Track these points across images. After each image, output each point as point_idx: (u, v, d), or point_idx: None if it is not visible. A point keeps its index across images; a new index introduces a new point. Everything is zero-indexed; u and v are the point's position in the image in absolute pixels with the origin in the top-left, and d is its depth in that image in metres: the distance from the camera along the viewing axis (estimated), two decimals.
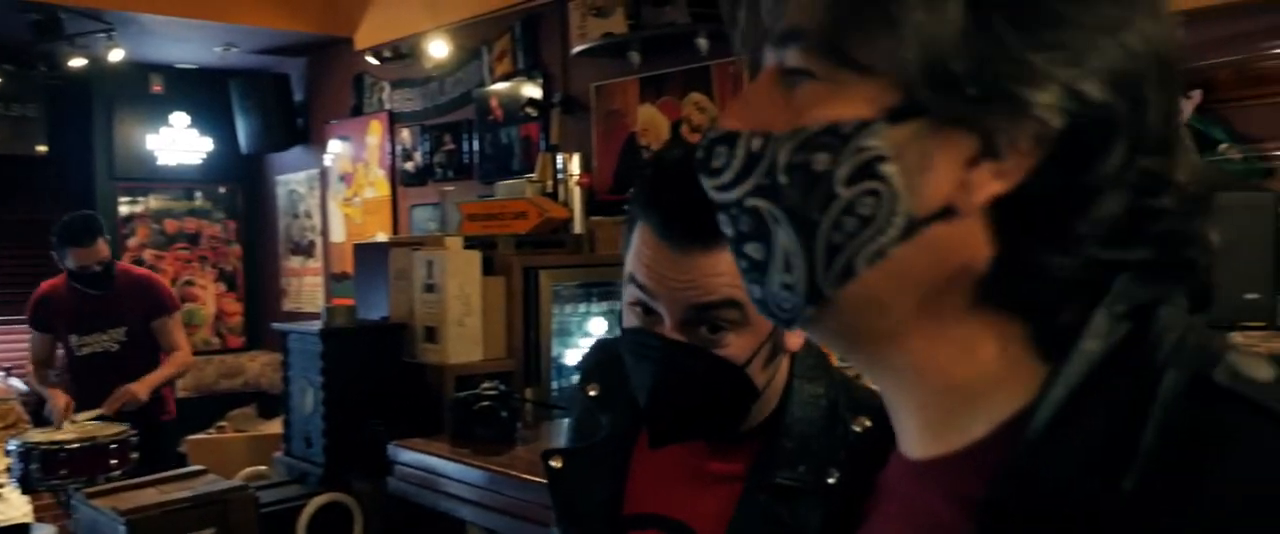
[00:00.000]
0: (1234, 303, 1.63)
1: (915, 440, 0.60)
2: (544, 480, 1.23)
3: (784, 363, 1.11)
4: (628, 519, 1.15)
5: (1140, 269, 0.53)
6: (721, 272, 1.00)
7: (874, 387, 0.64)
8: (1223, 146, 2.54)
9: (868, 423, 1.06)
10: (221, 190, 6.74)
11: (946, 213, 0.53)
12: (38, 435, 3.58)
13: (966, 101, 0.51)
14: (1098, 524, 0.47)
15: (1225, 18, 2.41)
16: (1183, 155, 0.55)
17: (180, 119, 6.38)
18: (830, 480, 1.03)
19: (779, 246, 0.56)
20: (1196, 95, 2.39)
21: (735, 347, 1.02)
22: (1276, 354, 0.51)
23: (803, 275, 0.55)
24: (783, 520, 1.03)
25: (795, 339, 1.08)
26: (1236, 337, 1.25)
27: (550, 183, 3.83)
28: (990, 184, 0.52)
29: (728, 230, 0.59)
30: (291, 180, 6.41)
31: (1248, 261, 1.67)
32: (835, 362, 1.16)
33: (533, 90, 4.46)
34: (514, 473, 2.31)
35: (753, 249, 0.58)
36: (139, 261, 6.02)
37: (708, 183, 0.59)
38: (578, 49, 3.96)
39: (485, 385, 2.66)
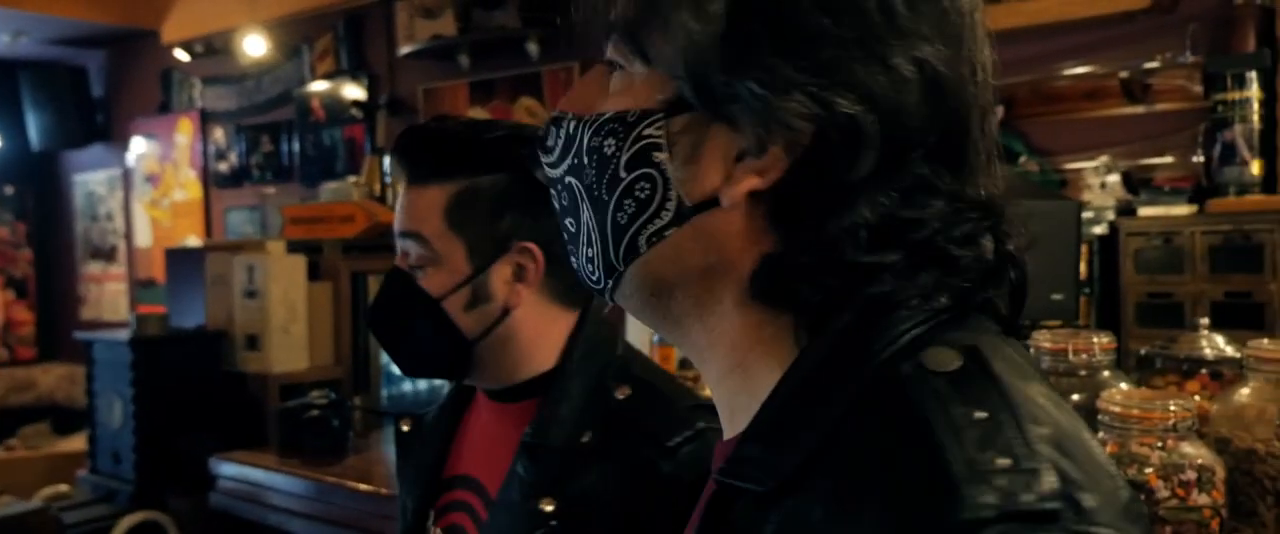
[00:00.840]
0: (1042, 303, 1.77)
1: (724, 419, 0.64)
2: (378, 490, 1.28)
3: (532, 325, 1.17)
4: (445, 480, 1.23)
5: (891, 272, 0.56)
6: (415, 208, 1.14)
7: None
8: (1022, 159, 2.75)
9: (629, 391, 1.15)
10: (8, 190, 6.24)
11: (713, 204, 0.57)
12: None
13: (722, 101, 0.55)
14: (782, 490, 0.52)
15: (1022, 40, 2.61)
16: (974, 168, 0.58)
17: None
18: (583, 440, 1.12)
19: (583, 221, 0.61)
20: (1000, 111, 2.57)
21: (430, 282, 1.13)
22: (971, 348, 0.53)
23: (599, 251, 0.61)
24: (540, 477, 1.11)
25: (515, 297, 1.15)
26: (1041, 334, 1.38)
27: (378, 186, 3.75)
28: (749, 179, 0.55)
29: (555, 205, 0.64)
30: (90, 180, 6.01)
31: (1054, 265, 1.83)
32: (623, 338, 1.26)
33: (357, 91, 4.35)
34: (347, 483, 2.25)
35: (569, 223, 0.63)
36: None
37: (543, 160, 0.64)
38: (405, 50, 3.89)
39: (315, 394, 2.58)
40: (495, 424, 1.23)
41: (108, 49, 5.73)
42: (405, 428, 1.31)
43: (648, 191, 0.57)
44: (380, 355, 3.27)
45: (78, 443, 4.07)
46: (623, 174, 0.58)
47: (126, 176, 5.72)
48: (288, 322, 3.09)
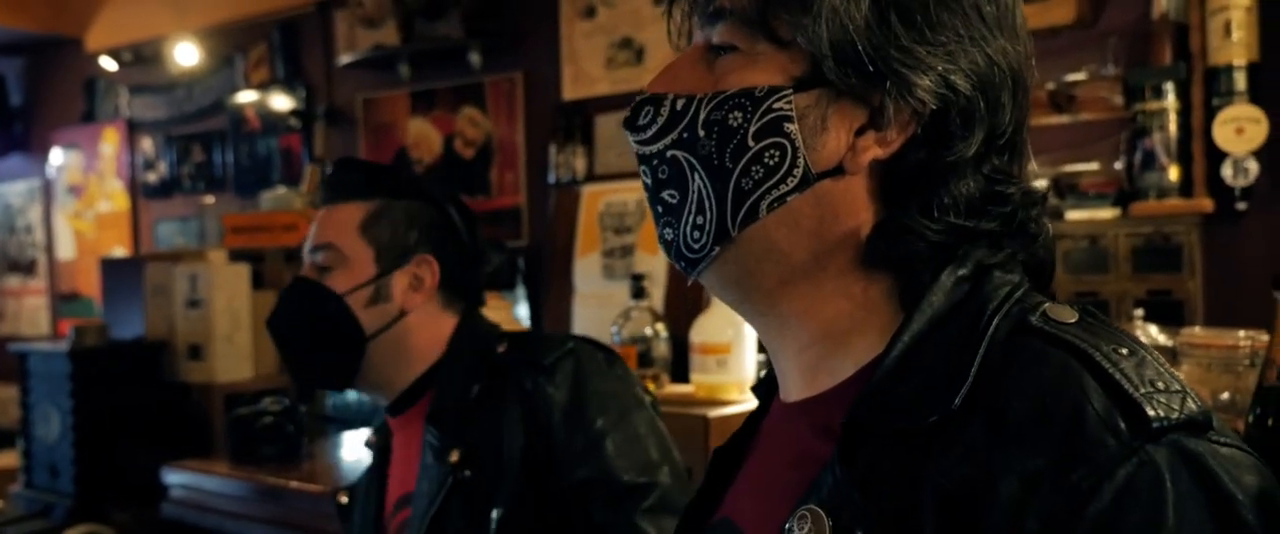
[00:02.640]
0: None
1: (793, 385, 0.69)
2: (333, 492, 1.40)
3: (422, 331, 1.32)
4: (389, 513, 1.35)
5: (987, 240, 0.65)
6: (331, 223, 1.30)
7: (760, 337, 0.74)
8: None
9: (507, 345, 1.31)
10: None
11: (837, 171, 0.63)
12: None
13: (862, 77, 0.62)
14: (931, 434, 0.57)
15: None
16: (1026, 159, 0.68)
17: None
18: (473, 393, 1.27)
19: (694, 191, 0.65)
20: None
21: (336, 281, 1.28)
22: (1084, 305, 0.63)
23: (713, 216, 0.65)
24: (444, 436, 1.26)
25: (410, 301, 1.31)
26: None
27: (319, 195, 3.73)
28: (873, 149, 0.63)
29: (647, 180, 0.68)
30: (8, 192, 5.84)
31: None
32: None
33: (289, 101, 4.32)
34: (308, 488, 2.25)
35: (669, 195, 0.67)
36: None
37: (632, 138, 0.68)
38: (345, 60, 3.89)
39: (268, 401, 2.57)
40: (404, 436, 1.37)
41: (27, 57, 5.58)
42: (343, 500, 1.44)
43: (777, 159, 0.63)
44: None
45: (7, 459, 3.96)
46: (751, 143, 0.63)
47: (47, 188, 5.57)
48: (231, 331, 3.07)
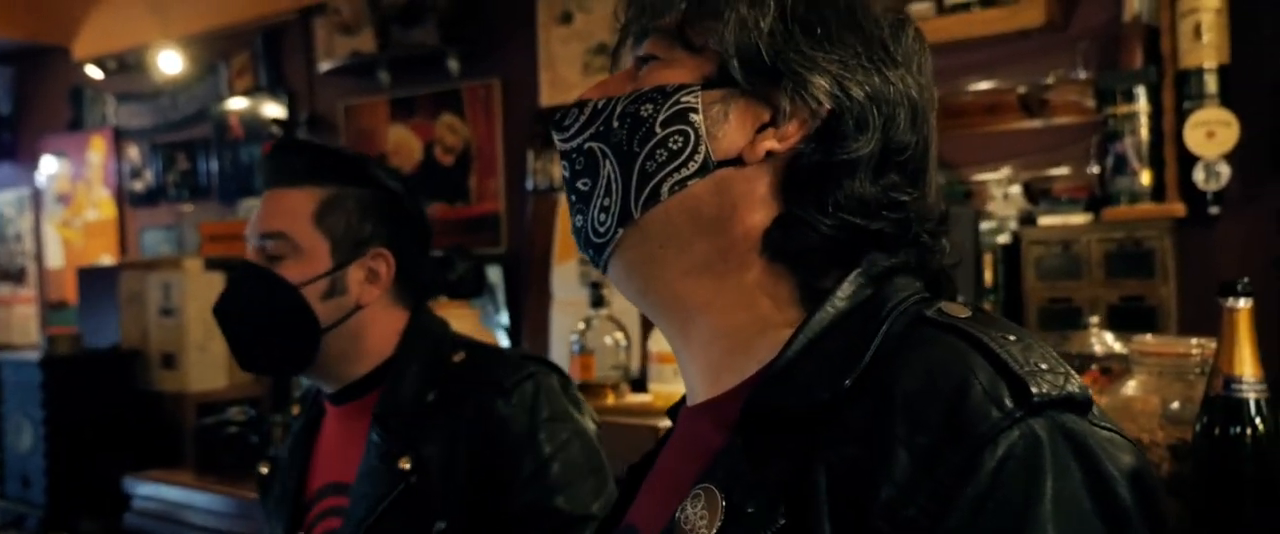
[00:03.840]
0: None
1: (698, 387, 0.72)
2: None
3: (375, 324, 1.30)
4: (309, 499, 1.31)
5: (881, 242, 0.68)
6: (281, 209, 1.25)
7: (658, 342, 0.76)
8: None
9: (464, 355, 1.29)
10: None
11: (737, 162, 0.68)
12: None
13: (764, 77, 0.67)
14: (825, 415, 0.60)
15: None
16: (929, 184, 0.73)
17: None
18: (428, 399, 1.25)
19: (603, 176, 0.70)
20: None
21: (290, 271, 1.24)
22: (976, 305, 0.67)
23: (618, 199, 0.69)
24: (393, 440, 1.24)
25: (367, 294, 1.28)
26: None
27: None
28: (770, 142, 0.68)
29: (565, 173, 0.74)
30: None
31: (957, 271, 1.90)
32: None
33: (276, 108, 4.31)
34: None
35: (583, 184, 0.72)
36: None
37: (557, 137, 0.74)
38: (325, 67, 3.88)
39: (234, 411, 2.55)
40: (342, 425, 1.33)
41: (14, 65, 5.59)
42: (264, 471, 1.41)
43: (680, 144, 0.68)
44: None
45: None
46: (657, 130, 0.68)
47: (36, 196, 5.57)
48: (205, 339, 3.05)
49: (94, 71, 5.00)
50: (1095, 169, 2.50)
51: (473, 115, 3.72)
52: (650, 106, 0.69)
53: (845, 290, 0.66)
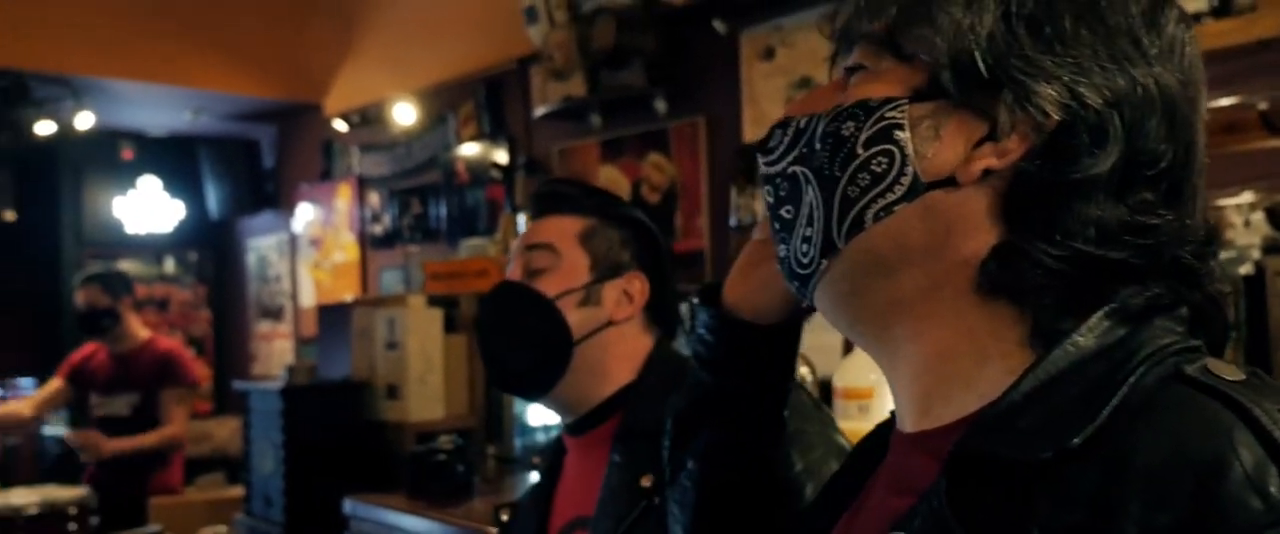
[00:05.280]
0: None
1: (907, 415, 0.66)
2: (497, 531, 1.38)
3: (621, 344, 1.30)
4: (559, 532, 1.32)
5: (1126, 274, 0.58)
6: (549, 226, 1.31)
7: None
8: None
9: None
10: (191, 256, 6.75)
11: (949, 182, 0.60)
12: None
13: (980, 87, 0.59)
14: (1046, 473, 0.53)
15: None
16: (1193, 202, 0.61)
17: (150, 185, 6.41)
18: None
19: (805, 204, 0.64)
20: None
21: (549, 283, 1.28)
22: (1254, 369, 0.55)
23: (820, 228, 0.63)
24: (635, 458, 1.22)
25: (620, 311, 1.29)
26: None
27: (513, 242, 3.88)
28: (987, 159, 0.59)
29: (768, 199, 0.67)
30: (261, 245, 6.44)
31: None
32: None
33: (498, 153, 4.53)
34: (471, 524, 2.32)
35: (786, 211, 0.66)
36: None
37: (761, 160, 0.68)
38: (539, 112, 4.05)
39: (443, 439, 2.68)
40: (583, 457, 1.33)
41: (277, 123, 6.16)
42: (504, 517, 1.47)
43: (884, 165, 0.61)
44: (513, 405, 3.37)
45: (238, 489, 4.32)
46: (860, 151, 0.61)
47: (293, 241, 6.10)
48: (424, 372, 3.22)
49: (341, 125, 5.44)
50: None
51: (678, 154, 3.77)
52: (852, 124, 0.62)
53: (1090, 330, 0.57)
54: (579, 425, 1.32)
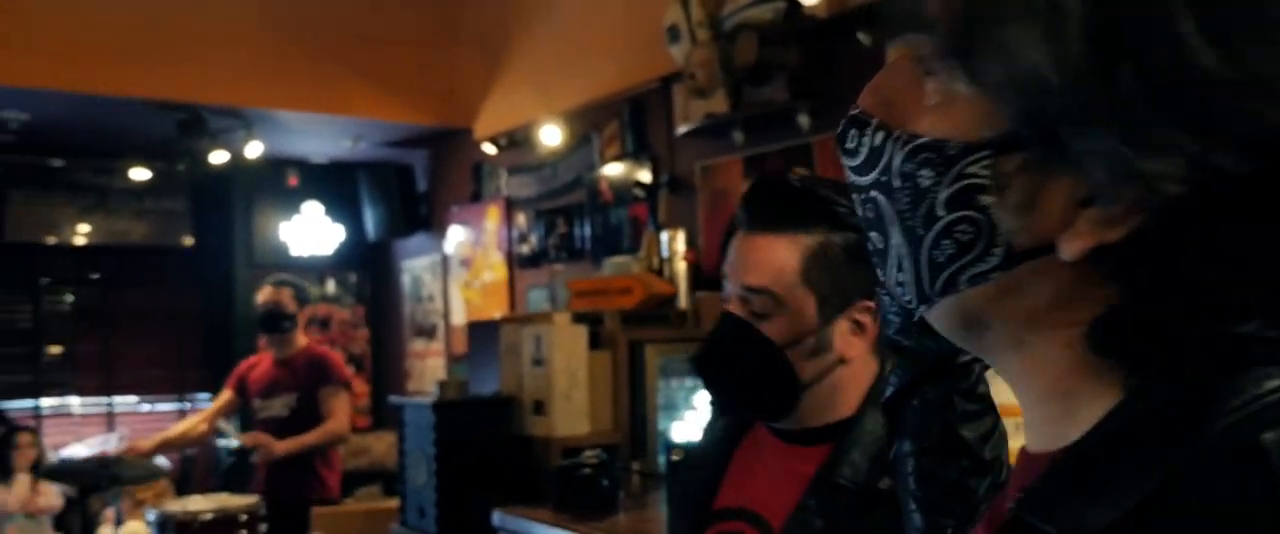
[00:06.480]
0: None
1: (1029, 433, 0.60)
2: None
3: (850, 376, 1.22)
4: (717, 511, 1.28)
5: (1256, 344, 0.49)
6: (765, 262, 1.18)
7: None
8: None
9: None
10: (350, 277, 7.05)
11: (1049, 250, 0.50)
12: (175, 506, 3.78)
13: (1067, 150, 0.47)
14: None
15: None
16: None
17: (313, 209, 6.74)
18: (882, 486, 1.12)
19: (893, 246, 0.56)
20: None
21: (775, 329, 1.18)
22: None
23: (911, 279, 0.56)
24: (833, 511, 1.15)
25: (851, 349, 1.21)
26: None
27: (656, 260, 3.91)
28: (1096, 232, 0.48)
29: (859, 210, 0.59)
30: (415, 266, 6.67)
31: None
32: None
33: (641, 172, 4.57)
34: None
35: (875, 238, 0.58)
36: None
37: (845, 161, 0.59)
38: (682, 130, 4.07)
39: (588, 454, 2.71)
40: (783, 463, 1.28)
41: (430, 148, 6.39)
42: (675, 457, 1.40)
43: (970, 235, 0.51)
44: (657, 421, 3.38)
45: (393, 500, 4.48)
46: (940, 212, 0.52)
47: (444, 261, 6.30)
48: (570, 388, 3.27)
49: (489, 148, 5.60)
50: None
51: (823, 169, 3.72)
52: (929, 174, 0.51)
53: (1170, 383, 0.50)
54: (786, 434, 1.27)
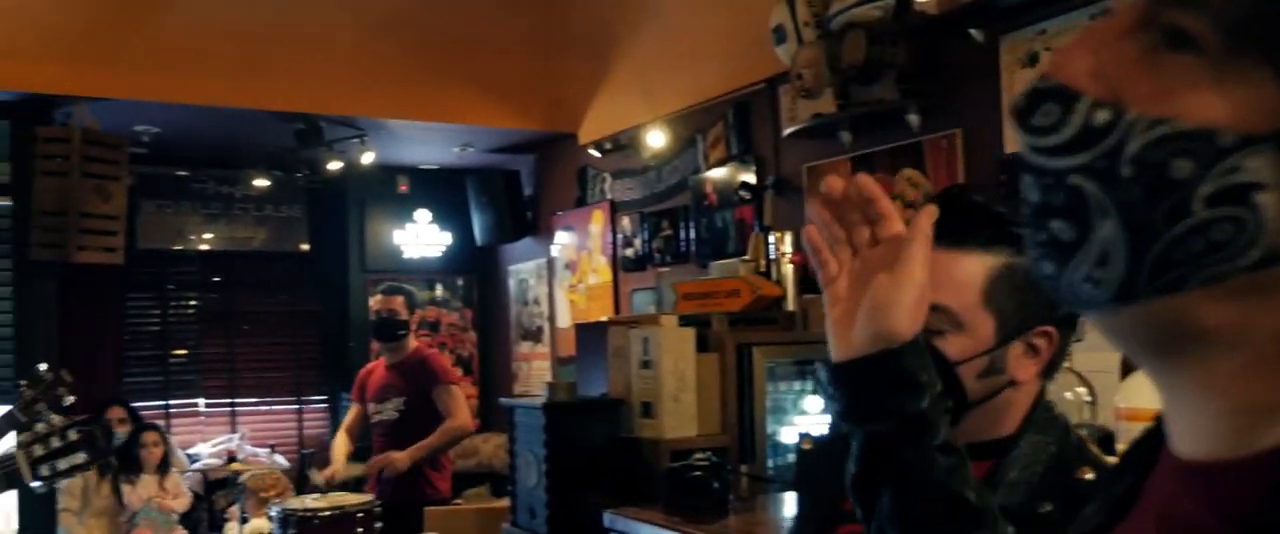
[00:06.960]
0: None
1: (1189, 439, 0.54)
2: None
3: (1016, 397, 1.19)
4: (845, 512, 1.24)
5: None
6: (948, 279, 1.13)
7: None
8: None
9: (1091, 475, 1.13)
10: (459, 281, 7.20)
11: None
12: (296, 503, 3.92)
13: None
14: None
15: None
16: None
17: (423, 215, 6.91)
18: (1042, 510, 1.11)
19: (1099, 238, 0.49)
20: None
21: (950, 346, 1.15)
22: None
23: (1119, 276, 0.49)
24: None
25: (1023, 371, 1.17)
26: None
27: (763, 262, 3.89)
28: None
29: (1032, 195, 0.53)
30: (521, 270, 6.77)
31: None
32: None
33: (746, 174, 4.56)
34: None
35: (1060, 227, 0.51)
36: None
37: (1025, 138, 0.52)
38: (788, 131, 4.04)
39: (698, 456, 2.70)
40: None
41: (536, 153, 6.48)
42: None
43: (1229, 234, 0.46)
44: (766, 425, 3.36)
45: (505, 500, 4.55)
46: (1196, 209, 0.46)
47: (550, 265, 6.38)
48: (678, 390, 3.27)
49: (594, 152, 5.65)
50: None
51: (933, 168, 3.65)
52: (1188, 164, 0.45)
53: None
54: None
